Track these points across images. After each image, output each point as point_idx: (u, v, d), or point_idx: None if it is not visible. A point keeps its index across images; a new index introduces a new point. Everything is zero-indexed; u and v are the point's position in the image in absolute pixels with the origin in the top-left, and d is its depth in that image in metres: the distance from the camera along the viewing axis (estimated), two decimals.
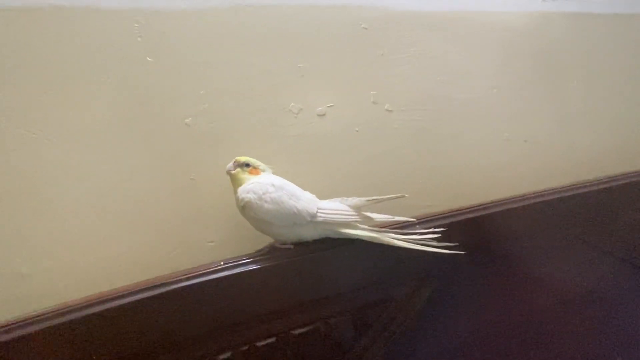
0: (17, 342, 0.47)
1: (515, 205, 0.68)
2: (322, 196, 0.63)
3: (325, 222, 0.57)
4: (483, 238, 0.65)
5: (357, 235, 0.58)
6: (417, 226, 0.61)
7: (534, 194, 0.72)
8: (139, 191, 0.65)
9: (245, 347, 0.54)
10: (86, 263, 0.61)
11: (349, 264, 0.59)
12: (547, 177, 0.85)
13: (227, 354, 0.54)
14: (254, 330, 0.55)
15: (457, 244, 0.58)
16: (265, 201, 0.57)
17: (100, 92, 0.64)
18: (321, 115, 0.74)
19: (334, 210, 0.58)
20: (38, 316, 0.49)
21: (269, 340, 0.55)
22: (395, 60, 0.80)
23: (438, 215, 0.65)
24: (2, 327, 0.47)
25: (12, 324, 0.48)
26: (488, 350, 0.64)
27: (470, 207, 0.66)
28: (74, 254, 0.61)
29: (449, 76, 0.83)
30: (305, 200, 0.58)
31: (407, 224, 0.62)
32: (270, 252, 0.59)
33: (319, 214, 0.57)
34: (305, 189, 0.63)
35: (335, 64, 0.76)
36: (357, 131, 0.77)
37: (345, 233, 0.58)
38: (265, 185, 0.58)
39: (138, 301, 0.52)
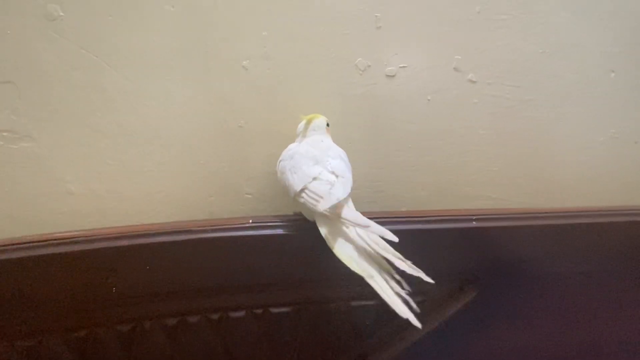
0: (41, 260, 0.50)
1: (600, 220, 0.56)
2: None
3: (304, 204, 0.51)
4: (543, 252, 0.55)
5: (324, 234, 0.49)
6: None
7: (632, 209, 0.58)
8: (187, 129, 0.63)
9: (260, 311, 0.53)
10: (129, 192, 0.63)
11: None
12: None
13: (241, 313, 0.53)
14: (271, 296, 0.53)
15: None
16: (277, 167, 0.57)
17: (163, 22, 0.61)
18: (390, 76, 0.66)
19: (313, 194, 0.50)
20: (67, 238, 0.51)
21: (283, 309, 0.53)
22: (493, 21, 0.67)
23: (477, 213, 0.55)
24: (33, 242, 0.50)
25: (45, 240, 0.51)
26: None
27: (536, 212, 0.56)
28: (118, 181, 0.62)
29: (557, 49, 0.68)
30: (300, 175, 0.52)
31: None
32: (299, 220, 0.55)
33: (302, 194, 0.51)
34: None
35: (418, 17, 0.66)
36: (428, 100, 0.67)
37: (319, 227, 0.50)
38: (286, 151, 0.57)
39: (164, 243, 0.52)
